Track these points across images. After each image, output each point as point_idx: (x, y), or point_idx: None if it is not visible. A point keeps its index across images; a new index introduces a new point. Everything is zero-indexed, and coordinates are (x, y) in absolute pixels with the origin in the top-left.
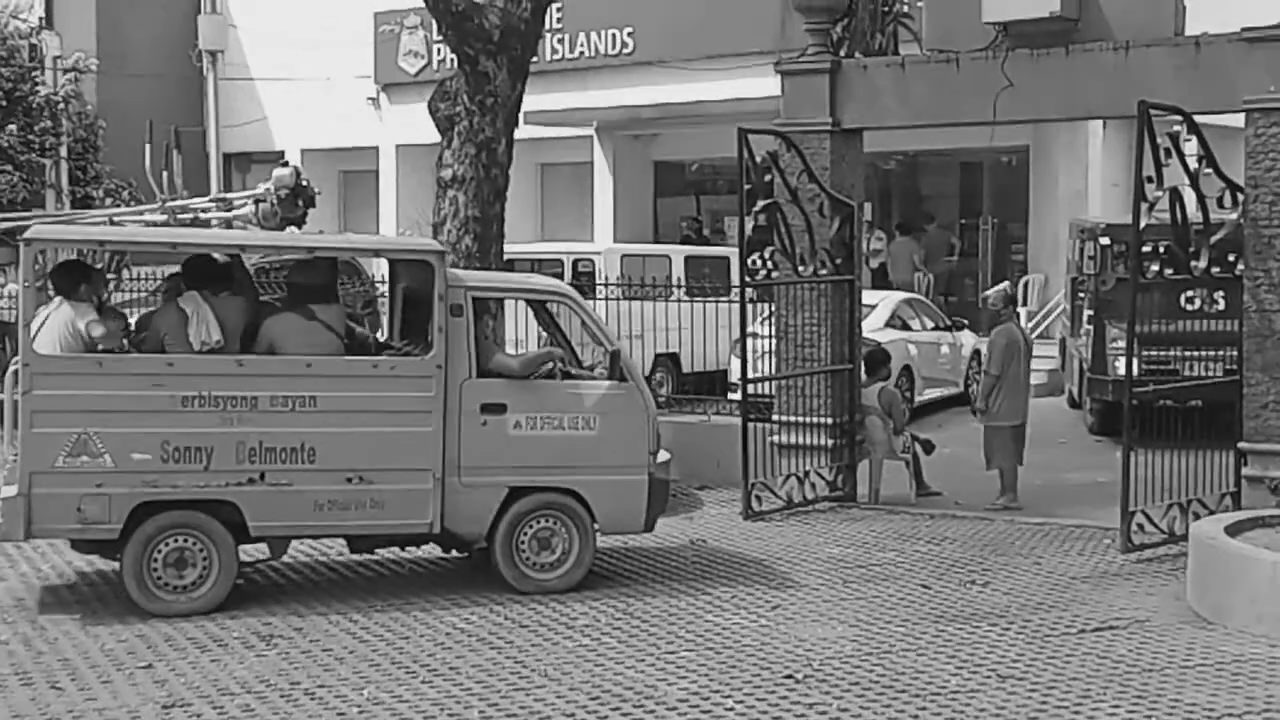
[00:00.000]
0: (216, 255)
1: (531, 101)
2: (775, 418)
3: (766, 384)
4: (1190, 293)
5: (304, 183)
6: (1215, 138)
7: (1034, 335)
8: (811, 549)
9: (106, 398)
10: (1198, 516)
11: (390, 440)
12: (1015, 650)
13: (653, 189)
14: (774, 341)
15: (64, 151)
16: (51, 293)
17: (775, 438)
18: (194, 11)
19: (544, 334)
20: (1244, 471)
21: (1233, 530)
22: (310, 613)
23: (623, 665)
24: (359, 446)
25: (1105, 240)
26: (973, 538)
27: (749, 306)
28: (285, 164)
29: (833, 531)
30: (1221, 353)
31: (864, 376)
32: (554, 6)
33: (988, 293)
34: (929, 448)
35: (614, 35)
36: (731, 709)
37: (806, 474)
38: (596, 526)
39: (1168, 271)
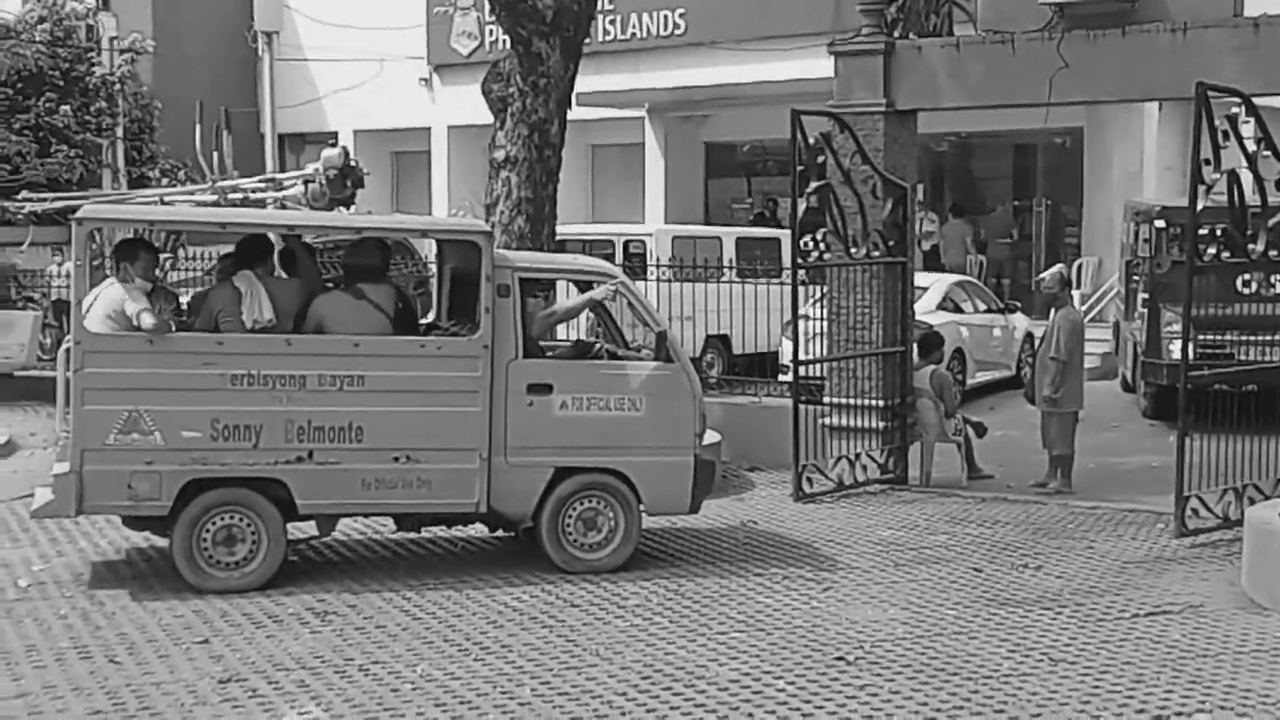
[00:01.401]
0: (271, 235)
1: (583, 83)
2: (826, 400)
3: (818, 366)
4: (1247, 276)
5: (352, 163)
6: (1274, 120)
7: (1088, 319)
8: (862, 531)
9: (157, 375)
10: (1253, 501)
11: (437, 420)
12: (1068, 634)
13: (703, 170)
14: (826, 323)
15: (120, 132)
16: (109, 271)
17: (826, 420)
18: None
19: (590, 315)
20: None
21: None
22: (364, 590)
23: (674, 645)
24: (406, 426)
25: (1160, 223)
26: (1025, 521)
27: (801, 288)
28: (334, 144)
29: (884, 514)
30: (1278, 337)
31: (916, 359)
32: None
33: (1043, 275)
34: (981, 430)
35: (666, 16)
36: (783, 690)
37: (857, 456)
38: (642, 507)
39: (1224, 255)
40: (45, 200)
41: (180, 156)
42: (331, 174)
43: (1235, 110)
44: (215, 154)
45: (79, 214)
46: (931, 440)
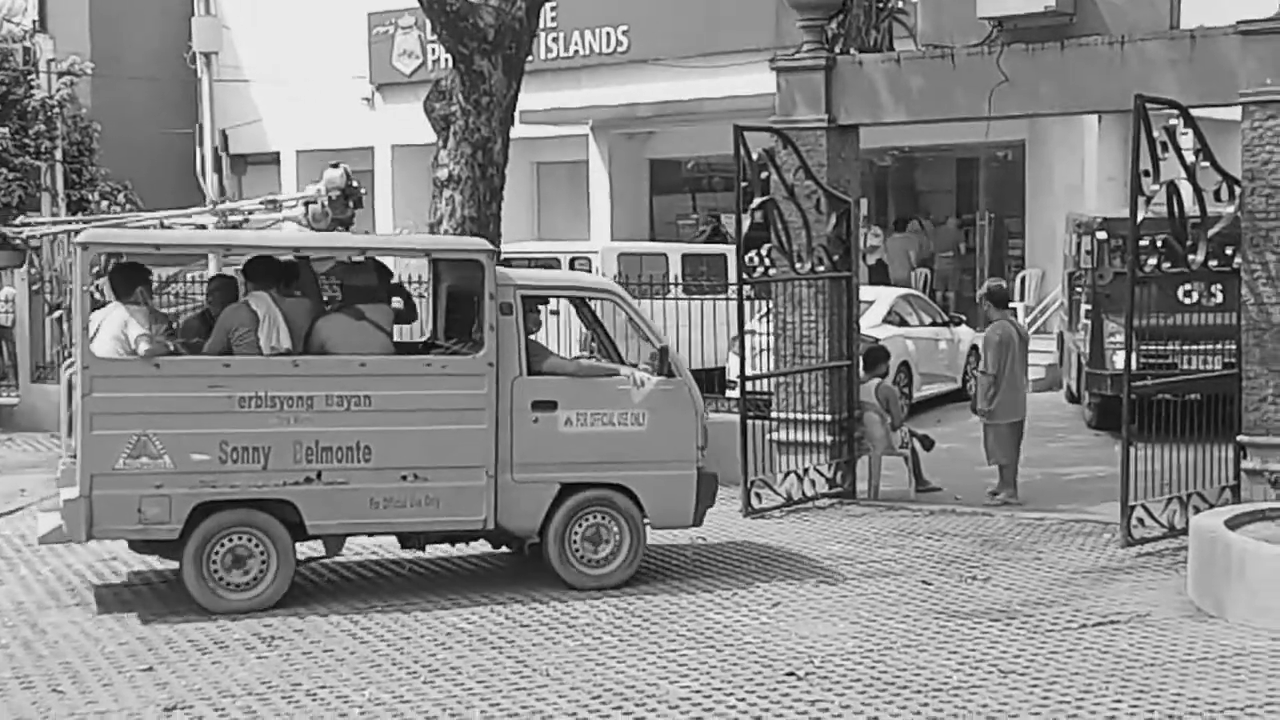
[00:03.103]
0: (280, 256)
1: (526, 100)
2: (774, 415)
3: (765, 381)
4: (1188, 286)
5: (354, 184)
6: (1212, 131)
7: (1031, 330)
8: (812, 546)
9: (165, 399)
10: (1198, 510)
11: (444, 438)
12: (1017, 645)
13: (649, 187)
14: (772, 338)
15: (59, 155)
16: (98, 295)
17: (774, 435)
18: (187, 13)
19: (585, 330)
20: (1243, 465)
21: (1233, 524)
22: (310, 614)
23: (624, 664)
24: (413, 444)
25: (1102, 234)
26: (973, 533)
27: (747, 304)
28: (335, 165)
29: (833, 528)
30: (1220, 346)
31: (862, 373)
32: (548, 5)
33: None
34: (928, 443)
35: (608, 34)
36: (733, 707)
37: (806, 471)
38: (646, 521)
39: (1165, 265)
40: (44, 224)
41: (120, 178)
42: (334, 194)
43: (1173, 122)
44: (214, 177)
45: (83, 238)
46: (879, 454)
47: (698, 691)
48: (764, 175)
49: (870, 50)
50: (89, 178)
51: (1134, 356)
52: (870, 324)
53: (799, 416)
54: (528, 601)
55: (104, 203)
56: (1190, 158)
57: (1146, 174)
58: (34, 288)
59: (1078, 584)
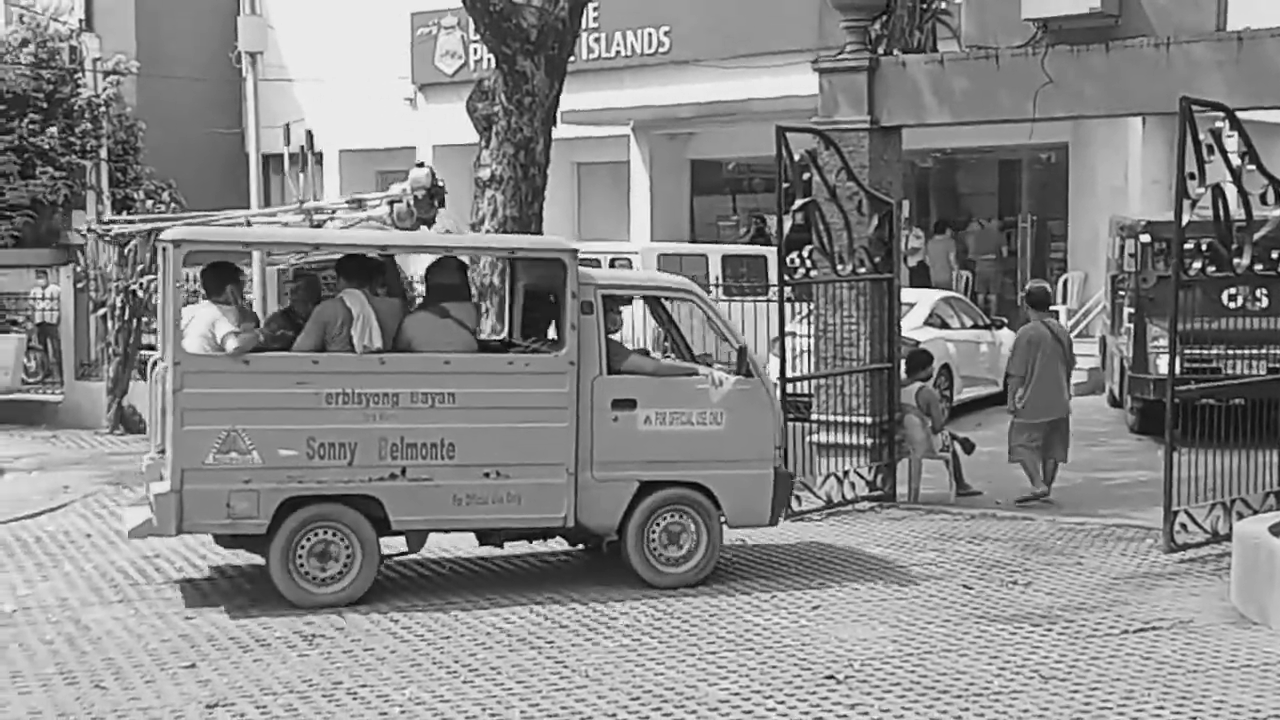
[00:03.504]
0: (371, 254)
1: (568, 101)
2: (814, 417)
3: (805, 383)
4: (1232, 290)
5: (439, 183)
6: (1258, 134)
7: (1074, 333)
8: (851, 549)
9: (254, 395)
10: (1241, 516)
11: (526, 435)
12: (1058, 651)
13: (689, 188)
14: (812, 340)
15: (104, 153)
16: (197, 293)
17: (814, 437)
18: (233, 13)
19: (658, 328)
20: None
21: (1277, 530)
22: (352, 612)
23: (663, 666)
24: (496, 442)
25: (1146, 238)
26: (1014, 537)
27: (787, 305)
28: (421, 165)
29: (872, 531)
30: (1265, 351)
31: (904, 376)
32: (590, 6)
33: (1029, 286)
34: (969, 447)
35: (650, 34)
36: (772, 710)
37: (846, 473)
38: (723, 520)
39: (1209, 269)
40: (132, 222)
41: (165, 177)
42: (420, 194)
43: (1219, 124)
44: (301, 175)
45: (172, 236)
46: (919, 457)
47: (737, 694)
48: (805, 176)
49: (914, 51)
50: (133, 176)
51: (1178, 360)
52: (911, 326)
53: (839, 419)
54: (566, 602)
55: (149, 201)
56: (1236, 161)
57: (1192, 177)
58: (79, 285)
59: (1120, 589)
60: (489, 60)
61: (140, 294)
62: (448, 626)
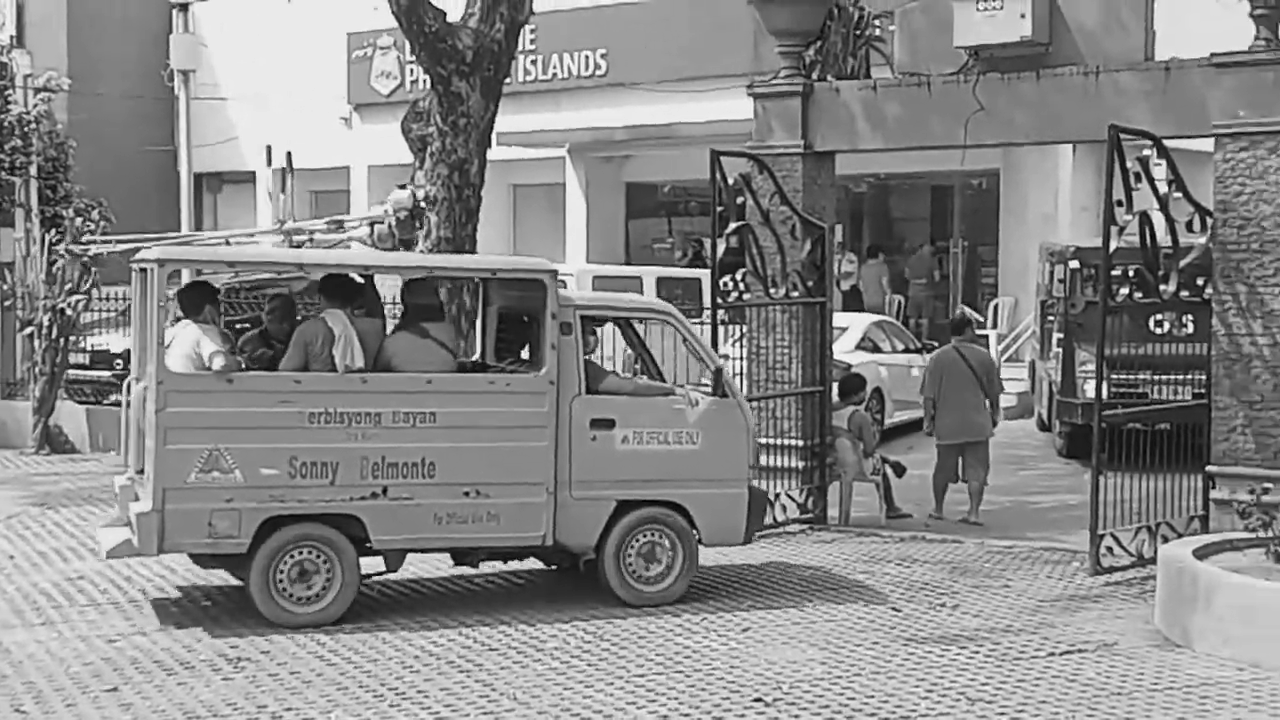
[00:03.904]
0: (354, 275)
1: (504, 123)
2: None
3: None
4: (1159, 316)
5: (421, 205)
6: (1184, 162)
7: (1004, 357)
8: (782, 571)
9: (237, 414)
10: (1166, 539)
11: (506, 455)
12: (984, 673)
13: (624, 210)
14: (745, 363)
15: (34, 170)
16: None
17: None
18: (165, 31)
19: (628, 350)
20: (1212, 495)
21: (1201, 553)
22: (277, 634)
23: (592, 689)
24: (476, 461)
25: (1075, 263)
26: (943, 560)
27: (720, 328)
28: (403, 186)
29: (803, 553)
30: (1190, 376)
31: (836, 399)
32: (527, 28)
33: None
34: (899, 470)
35: (587, 57)
36: None
37: (777, 496)
38: (698, 539)
39: (1137, 295)
40: (109, 242)
41: (95, 195)
42: (402, 215)
43: (1147, 153)
44: (281, 198)
45: (158, 255)
46: (850, 480)
47: (666, 717)
48: (740, 200)
49: (847, 77)
50: (64, 194)
51: (1105, 385)
52: (844, 350)
53: (771, 441)
54: (495, 625)
55: (78, 219)
56: (1163, 188)
57: (1120, 204)
58: (5, 304)
59: (1046, 612)
60: (425, 81)
61: (69, 313)
62: (375, 649)
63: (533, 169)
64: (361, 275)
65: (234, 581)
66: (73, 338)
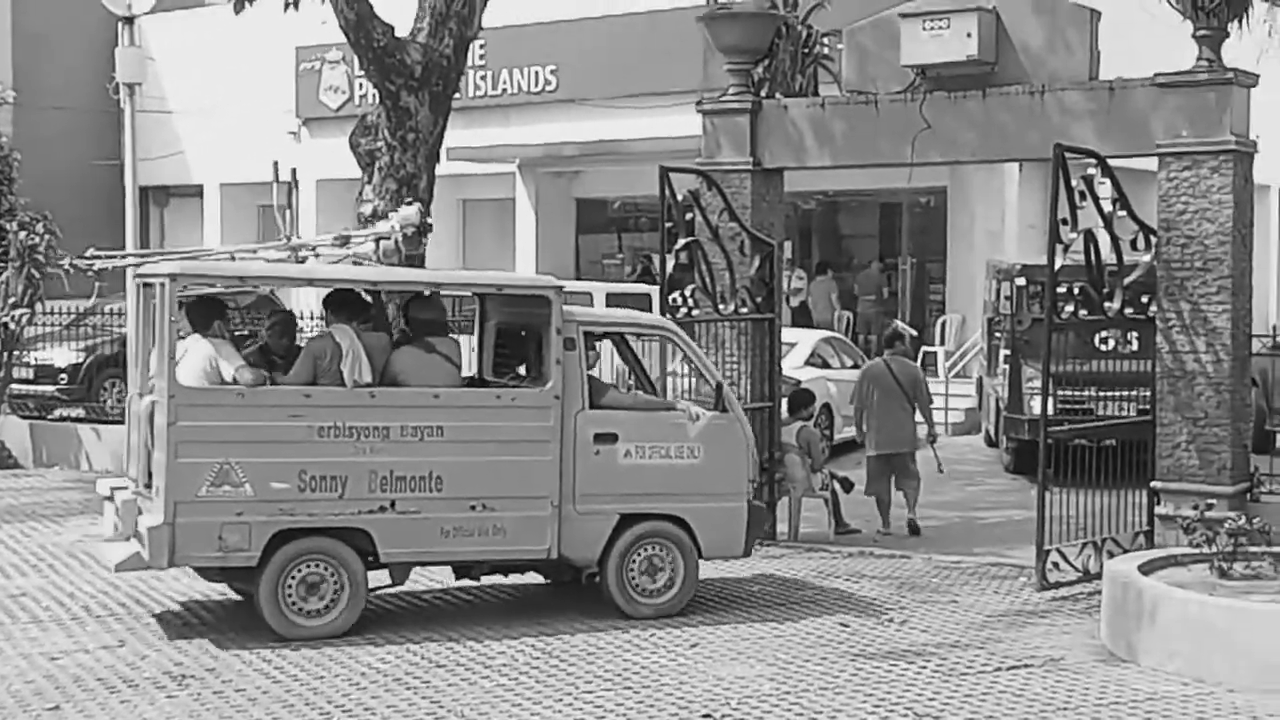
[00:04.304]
0: (360, 290)
1: (453, 138)
2: None
3: None
4: (1104, 333)
5: (428, 221)
6: (1129, 180)
7: (951, 374)
8: (730, 587)
9: (247, 428)
10: (1112, 555)
11: (511, 469)
12: (932, 688)
13: (574, 226)
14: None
15: None
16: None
17: None
18: (112, 44)
19: (621, 364)
20: (1157, 510)
21: (1146, 569)
22: (222, 651)
23: (540, 705)
24: (482, 475)
25: (1021, 281)
26: (891, 575)
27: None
28: (410, 202)
29: (752, 569)
30: (1135, 393)
31: (785, 415)
32: (477, 43)
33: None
34: (848, 486)
35: (536, 73)
36: None
37: None
38: (699, 552)
39: (1082, 312)
40: (114, 258)
41: (40, 208)
42: (409, 231)
43: (1092, 171)
44: (285, 212)
45: (170, 270)
46: (799, 495)
47: None
48: (689, 216)
49: (795, 95)
50: (8, 207)
51: (1051, 402)
52: (793, 366)
53: None
54: (443, 641)
55: (22, 233)
56: (1108, 207)
57: (1065, 222)
58: None
59: (993, 627)
60: (373, 95)
61: (12, 327)
62: (322, 666)
63: (483, 184)
64: (368, 291)
65: (179, 597)
66: (16, 352)
